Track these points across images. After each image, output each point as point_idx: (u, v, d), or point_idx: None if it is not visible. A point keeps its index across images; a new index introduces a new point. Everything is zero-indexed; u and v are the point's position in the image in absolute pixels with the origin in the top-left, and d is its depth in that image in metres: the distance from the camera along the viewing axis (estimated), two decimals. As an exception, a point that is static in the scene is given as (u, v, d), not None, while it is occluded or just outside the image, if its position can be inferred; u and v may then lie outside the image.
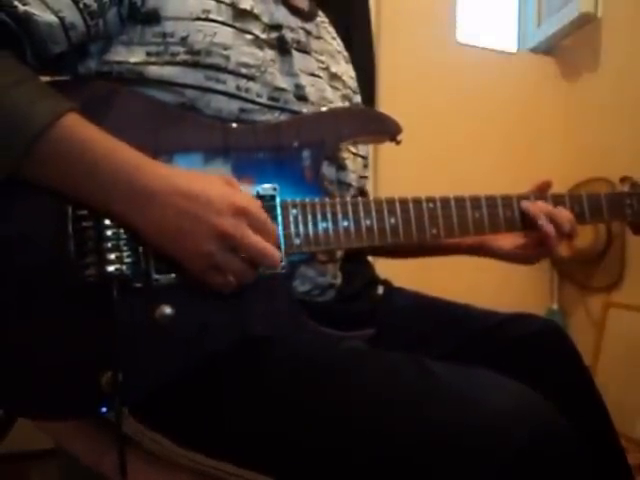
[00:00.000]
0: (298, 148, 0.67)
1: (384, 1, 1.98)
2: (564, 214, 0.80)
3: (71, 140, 0.55)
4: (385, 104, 1.89)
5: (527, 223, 0.79)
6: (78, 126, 0.56)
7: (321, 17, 0.88)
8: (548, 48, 2.23)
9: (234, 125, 0.67)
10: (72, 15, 0.61)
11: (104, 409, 0.58)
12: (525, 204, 0.78)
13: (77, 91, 0.62)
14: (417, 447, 0.49)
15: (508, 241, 0.86)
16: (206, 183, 0.58)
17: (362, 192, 0.96)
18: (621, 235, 1.93)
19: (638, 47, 1.89)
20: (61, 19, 0.60)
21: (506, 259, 0.88)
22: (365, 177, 0.94)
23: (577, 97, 2.19)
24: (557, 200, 0.82)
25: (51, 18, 0.59)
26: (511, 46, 2.26)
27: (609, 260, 1.96)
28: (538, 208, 0.78)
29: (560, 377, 0.76)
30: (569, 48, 2.20)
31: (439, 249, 0.94)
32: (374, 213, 0.68)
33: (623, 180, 0.90)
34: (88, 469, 0.70)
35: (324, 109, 0.75)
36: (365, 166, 0.93)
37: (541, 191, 0.83)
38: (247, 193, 0.61)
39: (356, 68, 0.94)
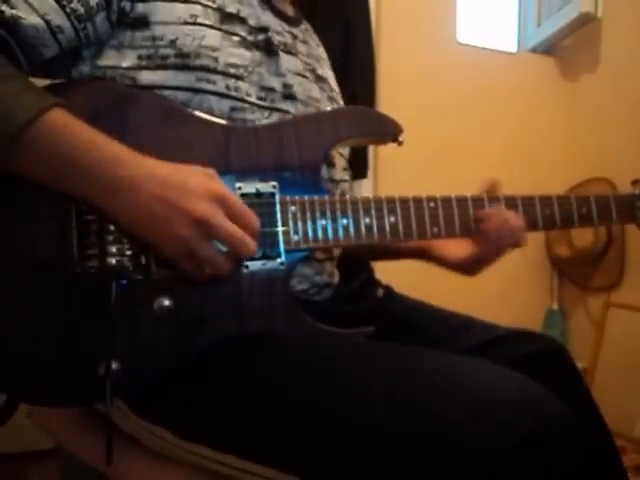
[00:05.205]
0: (298, 148, 0.68)
1: (384, 1, 1.98)
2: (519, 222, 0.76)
3: (54, 134, 0.56)
4: (385, 104, 1.89)
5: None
6: (62, 120, 0.57)
7: (305, 25, 0.89)
8: (548, 48, 2.24)
9: (236, 124, 0.67)
10: (59, 18, 0.62)
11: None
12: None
13: (76, 94, 0.63)
14: (419, 437, 0.49)
15: (456, 250, 0.83)
16: (184, 172, 0.59)
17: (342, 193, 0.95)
18: (621, 235, 1.93)
19: (638, 47, 1.89)
20: (47, 22, 0.61)
21: (453, 268, 0.85)
22: (345, 179, 0.89)
23: (577, 97, 2.19)
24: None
25: (37, 21, 0.60)
26: (511, 46, 2.26)
27: (609, 260, 1.96)
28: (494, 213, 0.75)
29: (559, 397, 0.75)
30: (569, 48, 2.21)
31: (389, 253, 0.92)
32: (373, 211, 0.69)
33: (635, 183, 0.90)
34: (88, 469, 0.70)
35: (329, 109, 0.76)
36: (345, 167, 0.91)
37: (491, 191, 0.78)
38: (225, 185, 0.60)
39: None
